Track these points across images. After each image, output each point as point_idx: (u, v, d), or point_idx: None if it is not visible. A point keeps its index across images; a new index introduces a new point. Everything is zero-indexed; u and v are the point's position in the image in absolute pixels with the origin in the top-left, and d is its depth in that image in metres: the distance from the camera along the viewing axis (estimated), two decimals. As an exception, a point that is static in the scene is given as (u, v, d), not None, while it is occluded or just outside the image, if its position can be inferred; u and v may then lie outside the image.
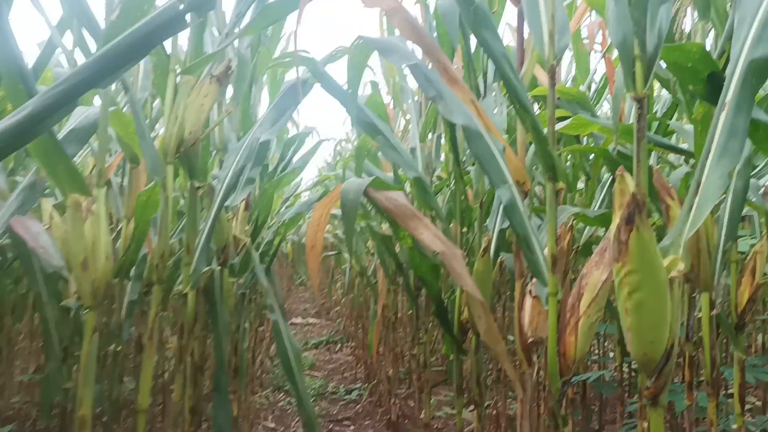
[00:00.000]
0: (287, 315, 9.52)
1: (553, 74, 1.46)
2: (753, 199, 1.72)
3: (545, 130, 1.37)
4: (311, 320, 9.00)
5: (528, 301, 1.47)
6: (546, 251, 1.25)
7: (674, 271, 0.85)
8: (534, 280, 1.44)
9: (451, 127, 2.20)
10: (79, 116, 1.88)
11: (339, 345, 7.50)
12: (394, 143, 2.12)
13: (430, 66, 1.81)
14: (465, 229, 2.18)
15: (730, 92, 1.01)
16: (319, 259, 2.01)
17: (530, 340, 1.45)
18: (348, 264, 6.76)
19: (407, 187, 3.25)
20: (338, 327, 8.11)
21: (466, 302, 2.19)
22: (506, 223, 2.16)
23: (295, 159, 3.44)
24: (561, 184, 1.25)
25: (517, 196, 1.37)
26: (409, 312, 3.79)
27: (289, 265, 10.33)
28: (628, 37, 1.14)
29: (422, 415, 3.35)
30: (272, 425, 5.14)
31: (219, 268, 2.18)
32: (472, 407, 2.33)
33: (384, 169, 4.51)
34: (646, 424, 0.88)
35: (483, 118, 1.56)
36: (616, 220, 0.87)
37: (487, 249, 1.95)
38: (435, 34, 2.42)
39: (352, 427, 5.09)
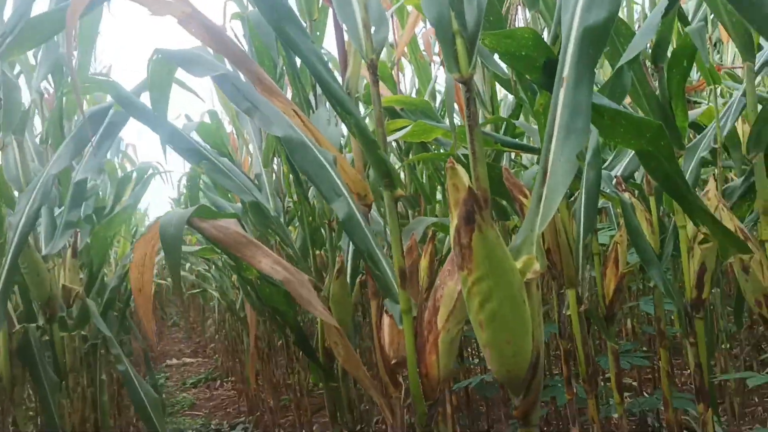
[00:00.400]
0: (160, 358, 8.93)
1: (374, 69, 1.29)
2: (606, 190, 1.64)
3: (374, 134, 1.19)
4: (187, 360, 8.48)
5: (386, 321, 1.29)
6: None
7: (530, 273, 0.69)
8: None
9: (285, 143, 1.99)
10: None
11: (218, 381, 7.07)
12: (221, 167, 1.88)
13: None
14: (320, 252, 1.99)
15: (567, 66, 0.87)
16: (149, 304, 1.74)
17: (393, 361, 1.27)
18: (216, 300, 6.38)
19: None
20: (216, 363, 7.67)
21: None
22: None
23: (126, 197, 3.10)
24: (399, 191, 1.08)
25: (355, 209, 1.18)
26: (279, 342, 3.53)
27: (157, 307, 9.71)
28: (443, 12, 0.98)
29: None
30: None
31: (34, 325, 1.85)
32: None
33: (236, 201, 4.24)
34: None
35: (310, 129, 1.36)
36: (454, 221, 0.70)
37: (341, 270, 1.76)
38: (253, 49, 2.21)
39: (241, 468, 4.75)
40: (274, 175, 3.09)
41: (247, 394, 5.64)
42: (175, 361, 8.46)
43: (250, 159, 4.25)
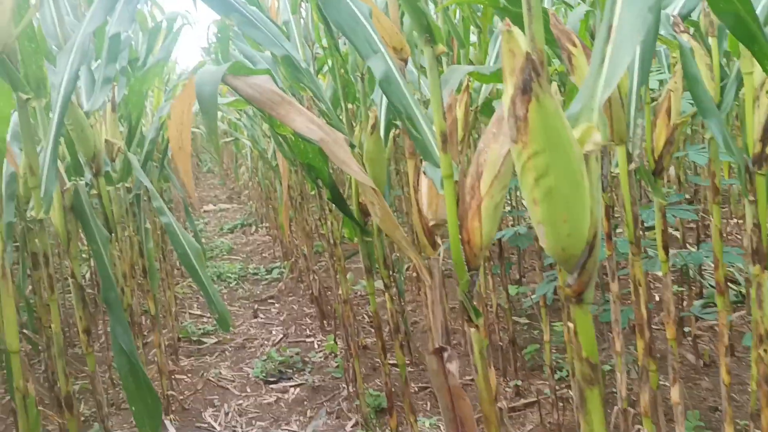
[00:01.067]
0: (198, 204, 9.16)
1: None
2: (662, 33, 1.50)
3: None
4: (223, 206, 8.69)
5: (424, 182, 1.26)
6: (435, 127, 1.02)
7: (589, 144, 0.64)
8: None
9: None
10: None
11: (254, 227, 7.28)
12: (251, 19, 1.79)
13: None
14: (351, 106, 1.93)
15: None
16: (189, 161, 1.73)
17: (432, 223, 1.26)
18: (248, 148, 6.40)
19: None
20: (250, 210, 7.85)
21: (361, 181, 1.98)
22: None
23: (157, 48, 3.01)
24: (441, 47, 1.00)
25: (393, 66, 1.12)
26: (312, 192, 3.56)
27: (193, 155, 9.82)
28: None
29: (340, 291, 3.23)
30: (198, 312, 4.97)
31: (83, 181, 1.86)
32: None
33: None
34: (571, 326, 0.69)
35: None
36: (509, 89, 0.64)
37: (375, 126, 1.71)
38: None
39: (276, 305, 4.98)
40: (302, 21, 2.97)
41: (281, 240, 5.81)
42: (211, 207, 8.69)
43: (276, 4, 4.09)
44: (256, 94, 1.52)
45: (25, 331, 3.49)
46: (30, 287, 3.35)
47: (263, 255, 6.33)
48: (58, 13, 2.24)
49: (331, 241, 3.30)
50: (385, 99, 1.90)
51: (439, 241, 1.27)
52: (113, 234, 2.34)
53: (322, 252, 5.53)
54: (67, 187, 1.74)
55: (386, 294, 1.77)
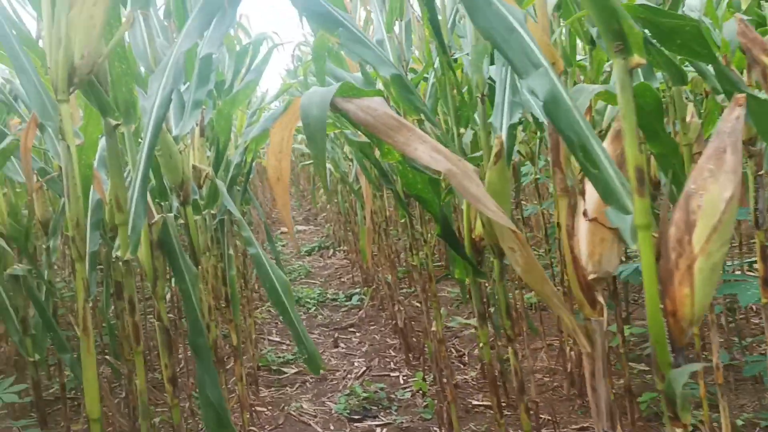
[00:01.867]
0: (274, 225, 9.11)
1: None
2: None
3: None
4: (300, 227, 8.61)
5: (583, 226, 1.02)
6: (628, 165, 0.78)
7: None
8: (590, 195, 0.99)
9: (428, 5, 1.67)
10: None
11: (331, 250, 7.13)
12: (359, 36, 1.60)
13: None
14: (462, 130, 1.71)
15: None
16: (287, 192, 1.54)
17: (592, 276, 1.01)
18: (327, 171, 6.27)
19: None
20: (327, 232, 7.72)
21: (476, 215, 1.75)
22: (516, 118, 1.68)
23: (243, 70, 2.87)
24: (637, 58, 0.76)
25: (559, 85, 0.89)
26: (402, 220, 3.35)
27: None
28: None
29: (433, 328, 2.99)
30: (277, 338, 4.82)
31: (172, 213, 1.70)
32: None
33: (351, 70, 3.95)
34: None
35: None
36: None
37: (500, 154, 1.48)
38: None
39: (358, 334, 4.78)
40: (395, 40, 2.78)
41: (360, 265, 5.63)
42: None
43: (360, 21, 3.95)
44: (370, 118, 1.31)
45: (107, 356, 3.41)
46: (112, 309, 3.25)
47: (342, 280, 6.16)
48: (148, 33, 2.11)
49: (425, 275, 3.08)
50: (505, 123, 1.67)
51: (600, 298, 1.02)
52: (199, 266, 2.18)
53: (402, 278, 5.32)
54: (155, 220, 1.57)
55: (509, 349, 1.52)
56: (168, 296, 4.63)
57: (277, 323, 5.16)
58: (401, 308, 4.14)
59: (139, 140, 1.68)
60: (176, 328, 4.16)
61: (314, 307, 5.41)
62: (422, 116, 1.61)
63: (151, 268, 1.57)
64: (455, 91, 1.71)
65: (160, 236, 1.59)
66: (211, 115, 2.77)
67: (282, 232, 8.45)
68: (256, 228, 6.32)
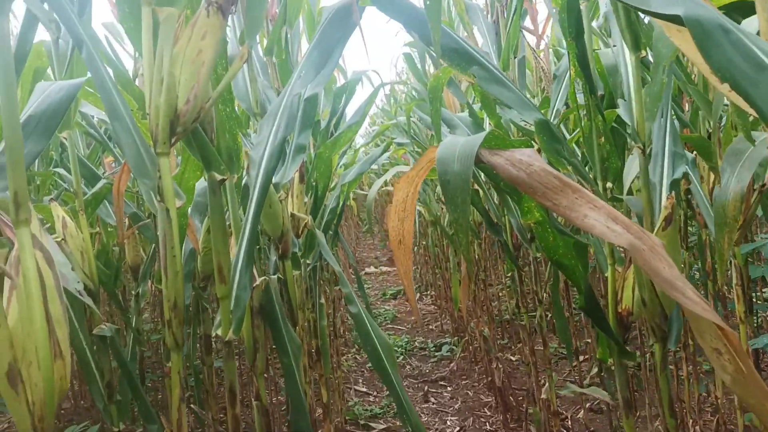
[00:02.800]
0: (358, 266, 8.93)
1: None
2: None
3: None
4: (384, 268, 8.39)
5: None
6: None
7: None
8: None
9: (577, 40, 1.43)
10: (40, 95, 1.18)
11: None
12: (497, 75, 1.36)
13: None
14: (609, 185, 1.44)
15: None
16: (410, 256, 1.30)
17: None
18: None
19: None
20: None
21: (623, 284, 1.46)
22: (679, 172, 1.40)
23: (348, 112, 2.69)
24: None
25: None
26: (509, 274, 3.06)
27: (355, 216, 9.68)
28: None
29: (543, 395, 2.68)
30: (364, 389, 4.57)
31: (275, 275, 1.49)
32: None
33: (450, 110, 3.73)
34: None
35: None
36: None
37: (670, 218, 1.21)
38: None
39: (449, 389, 4.48)
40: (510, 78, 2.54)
41: (451, 313, 5.34)
42: (372, 269, 8.42)
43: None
44: (523, 175, 1.07)
45: (191, 405, 3.24)
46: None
47: (430, 327, 5.88)
48: (250, 72, 1.95)
49: (534, 337, 2.78)
50: (668, 178, 1.39)
51: None
52: (297, 326, 1.97)
53: (497, 327, 4.98)
54: (257, 283, 1.37)
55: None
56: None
57: (363, 371, 4.92)
58: (499, 365, 3.82)
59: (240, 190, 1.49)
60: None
61: (402, 356, 5.14)
62: (571, 170, 1.35)
63: (251, 339, 1.35)
64: (602, 139, 1.45)
65: (262, 302, 1.39)
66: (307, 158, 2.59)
67: (366, 273, 8.26)
68: (342, 268, 6.14)
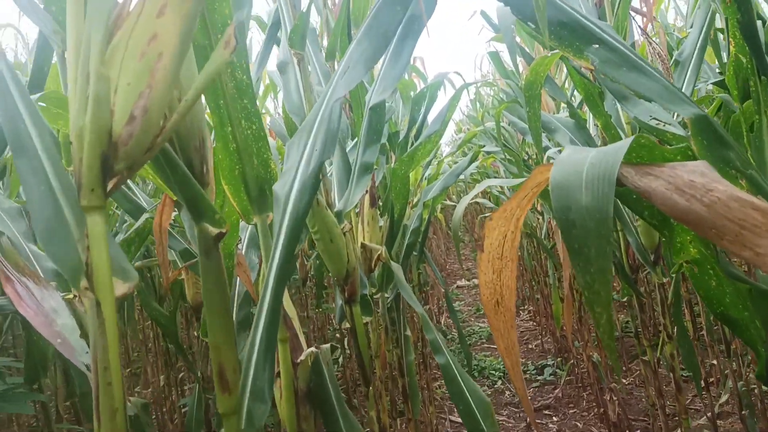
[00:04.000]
0: (450, 278, 8.47)
1: None
2: None
3: None
4: (477, 281, 7.88)
5: None
6: None
7: None
8: None
9: (742, 5, 0.97)
10: None
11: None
12: (628, 56, 0.93)
13: None
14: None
15: None
16: (513, 323, 0.90)
17: None
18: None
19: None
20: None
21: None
22: None
23: (430, 120, 2.29)
24: None
25: None
26: (624, 299, 2.57)
27: (444, 227, 9.24)
28: None
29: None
30: (460, 419, 4.14)
31: (327, 345, 1.10)
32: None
33: (544, 109, 3.26)
34: None
35: None
36: None
37: None
38: None
39: (554, 419, 3.98)
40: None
41: (552, 332, 4.83)
42: (464, 282, 7.94)
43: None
44: (698, 208, 0.62)
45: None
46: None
47: (529, 346, 5.37)
48: (305, 81, 1.59)
49: (660, 376, 2.29)
50: None
51: None
52: (369, 386, 1.58)
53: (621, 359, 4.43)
54: (302, 357, 0.99)
55: None
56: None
57: (458, 399, 4.49)
58: (613, 397, 3.31)
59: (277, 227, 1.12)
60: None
61: (500, 380, 4.67)
62: (744, 184, 0.89)
63: (293, 420, 0.98)
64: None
65: (310, 382, 1.01)
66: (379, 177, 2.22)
67: (458, 287, 7.80)
68: (432, 285, 5.74)
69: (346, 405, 1.05)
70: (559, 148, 2.56)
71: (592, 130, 2.48)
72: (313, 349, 0.99)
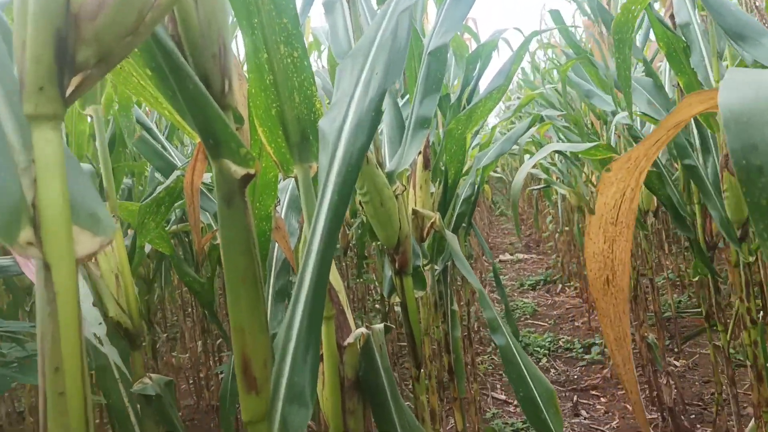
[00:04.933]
0: (493, 252, 8.22)
1: None
2: None
3: None
4: (520, 255, 7.63)
5: None
6: None
7: None
8: None
9: None
10: None
11: (560, 285, 6.08)
12: None
13: None
14: None
15: None
16: (626, 307, 0.68)
17: None
18: (558, 196, 5.29)
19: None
20: (554, 263, 6.67)
21: None
22: None
23: (482, 84, 2.06)
24: None
25: None
26: (695, 278, 2.32)
27: (487, 200, 8.96)
28: None
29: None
30: (503, 396, 3.95)
31: (381, 325, 0.90)
32: None
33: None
34: None
35: None
36: None
37: None
38: None
39: (602, 400, 3.76)
40: (707, 26, 1.81)
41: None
42: (508, 256, 7.69)
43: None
44: None
45: None
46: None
47: (575, 324, 5.12)
48: (354, 19, 1.38)
49: (730, 365, 2.06)
50: None
51: None
52: (420, 368, 1.39)
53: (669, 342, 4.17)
54: (349, 339, 0.80)
55: None
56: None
57: (501, 375, 4.29)
58: (670, 381, 3.07)
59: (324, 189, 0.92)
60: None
61: (545, 358, 4.45)
62: None
63: (341, 429, 0.79)
64: None
65: (360, 369, 0.81)
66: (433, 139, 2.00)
67: (500, 261, 7.56)
68: (476, 258, 5.52)
69: (401, 398, 0.86)
70: (624, 114, 2.30)
71: (669, 89, 2.22)
72: (363, 329, 0.80)
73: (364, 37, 0.66)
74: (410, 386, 1.99)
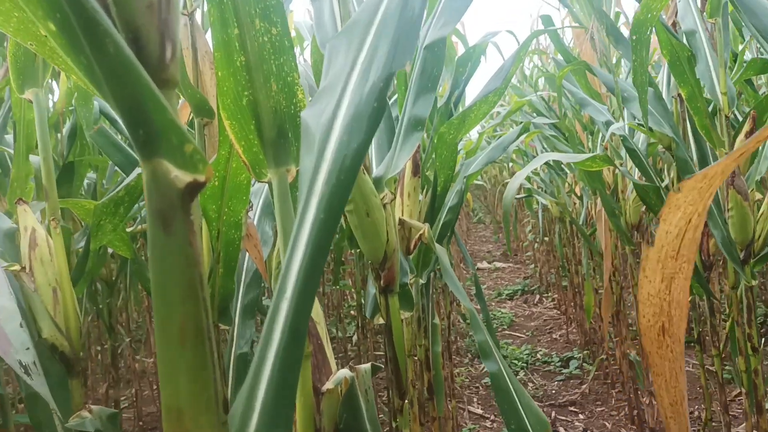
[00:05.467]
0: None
1: None
2: None
3: None
4: (498, 264, 7.52)
5: None
6: None
7: None
8: None
9: None
10: None
11: (537, 296, 5.97)
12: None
13: None
14: None
15: None
16: (682, 362, 0.54)
17: None
18: (539, 206, 5.18)
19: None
20: (532, 273, 6.57)
21: None
22: None
23: (468, 91, 1.92)
24: None
25: None
26: (691, 298, 2.20)
27: (465, 206, 8.85)
28: None
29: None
30: (479, 410, 3.81)
31: (369, 365, 0.76)
32: None
33: (594, 87, 2.87)
34: None
35: None
36: None
37: None
38: None
39: (581, 416, 3.64)
40: (716, 33, 1.69)
41: (581, 324, 4.47)
42: (485, 264, 7.58)
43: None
44: None
45: None
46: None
47: (553, 336, 5.01)
48: (343, 7, 1.23)
49: (720, 385, 1.94)
50: None
51: None
52: (404, 399, 1.24)
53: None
54: (329, 385, 0.65)
55: None
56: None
57: (478, 388, 4.17)
58: (653, 402, 2.97)
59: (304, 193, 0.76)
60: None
61: (522, 371, 4.33)
62: None
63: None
64: None
65: (339, 421, 0.66)
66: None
67: (478, 269, 7.44)
68: (454, 266, 5.39)
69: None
70: (619, 124, 2.18)
71: (667, 102, 2.10)
72: (346, 372, 0.65)
73: (363, 7, 0.51)
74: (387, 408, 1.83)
